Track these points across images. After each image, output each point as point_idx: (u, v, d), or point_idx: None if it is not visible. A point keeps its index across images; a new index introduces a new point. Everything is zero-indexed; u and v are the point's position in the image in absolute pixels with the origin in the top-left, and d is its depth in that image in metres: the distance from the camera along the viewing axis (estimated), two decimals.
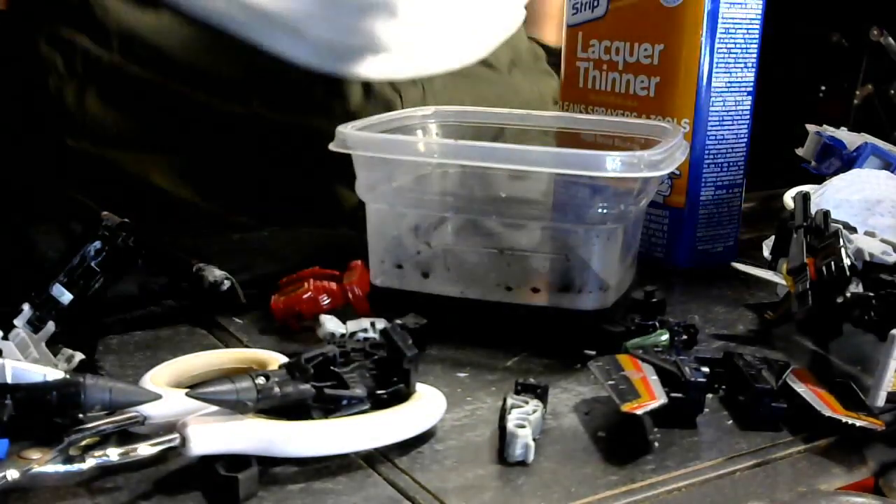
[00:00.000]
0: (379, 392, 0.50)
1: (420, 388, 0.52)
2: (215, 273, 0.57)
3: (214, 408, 0.46)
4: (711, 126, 0.78)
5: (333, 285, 0.66)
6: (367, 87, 0.91)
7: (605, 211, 0.62)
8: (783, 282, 0.66)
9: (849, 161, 0.93)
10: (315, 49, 0.88)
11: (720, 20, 0.76)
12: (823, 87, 2.16)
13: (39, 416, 0.47)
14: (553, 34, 1.16)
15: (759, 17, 0.78)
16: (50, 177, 0.89)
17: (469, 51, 0.98)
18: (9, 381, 0.47)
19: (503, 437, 0.49)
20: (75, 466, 0.44)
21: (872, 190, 0.79)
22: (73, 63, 0.87)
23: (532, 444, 0.49)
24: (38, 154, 0.90)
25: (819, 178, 0.91)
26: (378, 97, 0.91)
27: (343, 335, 0.61)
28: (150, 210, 0.89)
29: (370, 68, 0.90)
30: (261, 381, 0.46)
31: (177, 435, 0.45)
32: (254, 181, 0.91)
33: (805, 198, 0.68)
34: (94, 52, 0.87)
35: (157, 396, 0.48)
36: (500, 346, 0.63)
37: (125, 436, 0.48)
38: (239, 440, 0.45)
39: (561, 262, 0.66)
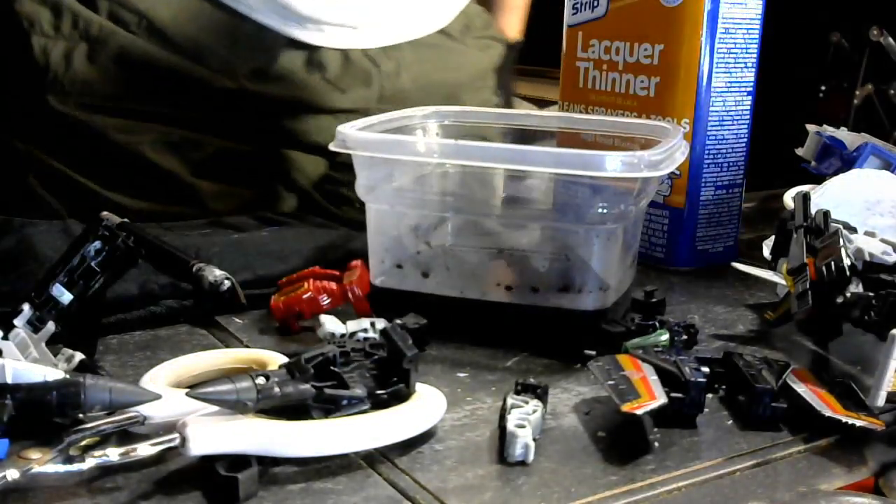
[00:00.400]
0: (379, 392, 0.50)
1: (420, 388, 0.52)
2: (215, 273, 0.57)
3: (214, 408, 0.46)
4: (711, 126, 0.78)
5: (333, 285, 0.66)
6: (346, 57, 0.93)
7: (605, 211, 0.62)
8: (783, 282, 0.66)
9: (849, 161, 0.93)
10: (299, 21, 0.89)
11: (720, 20, 0.76)
12: (823, 87, 2.16)
13: (39, 416, 0.47)
14: (513, 27, 1.18)
15: (759, 17, 0.78)
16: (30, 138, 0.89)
17: (432, 20, 1.00)
18: (9, 381, 0.47)
19: (503, 437, 0.49)
20: (75, 466, 0.44)
21: (872, 190, 0.79)
22: (61, 22, 0.86)
23: (532, 444, 0.49)
24: (15, 114, 0.89)
25: (819, 178, 0.91)
26: (356, 67, 0.93)
27: (343, 335, 0.61)
28: (138, 181, 0.89)
29: (349, 39, 0.93)
30: (261, 381, 0.46)
31: (177, 435, 0.45)
32: (242, 157, 0.92)
33: (805, 198, 0.68)
34: (83, 15, 0.86)
35: (157, 396, 0.48)
36: (500, 346, 0.63)
37: (125, 436, 0.48)
38: (239, 440, 0.45)
39: (561, 262, 0.66)
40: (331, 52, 0.92)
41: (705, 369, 0.55)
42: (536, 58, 1.20)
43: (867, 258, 0.64)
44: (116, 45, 0.86)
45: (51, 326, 0.57)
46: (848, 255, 0.60)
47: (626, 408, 0.49)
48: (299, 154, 0.92)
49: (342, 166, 0.95)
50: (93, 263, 0.58)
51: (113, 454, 0.44)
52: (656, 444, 0.51)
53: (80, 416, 0.47)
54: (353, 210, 0.96)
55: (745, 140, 0.81)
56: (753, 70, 0.79)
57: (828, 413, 0.52)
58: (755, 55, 0.79)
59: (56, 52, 0.85)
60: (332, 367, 0.49)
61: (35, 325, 0.56)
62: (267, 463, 0.47)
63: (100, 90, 0.86)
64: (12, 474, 0.42)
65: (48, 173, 0.87)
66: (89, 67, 0.86)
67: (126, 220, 0.60)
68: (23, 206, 0.84)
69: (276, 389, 0.46)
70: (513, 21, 1.18)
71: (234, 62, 0.88)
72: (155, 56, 0.87)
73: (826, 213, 0.66)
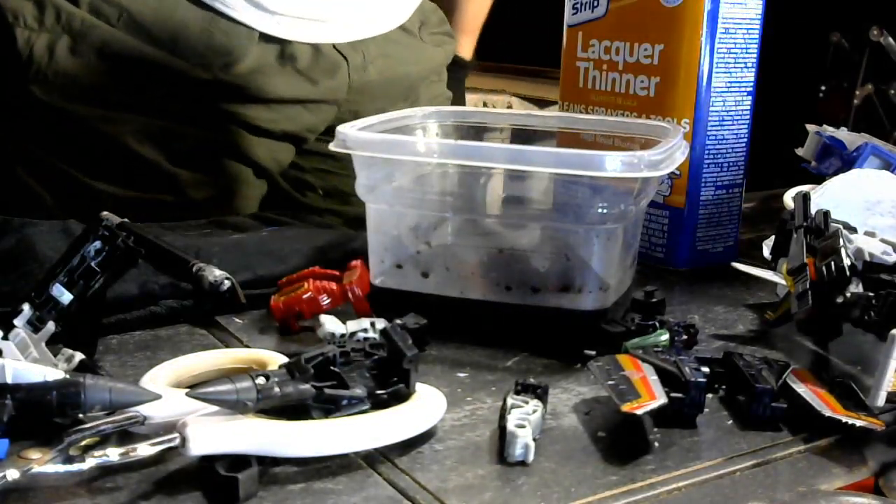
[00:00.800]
0: (379, 392, 0.50)
1: (420, 388, 0.52)
2: (215, 273, 0.57)
3: (214, 408, 0.46)
4: (711, 126, 0.78)
5: (333, 285, 0.66)
6: (316, 50, 0.96)
7: (605, 211, 0.62)
8: (783, 282, 0.66)
9: (849, 161, 0.93)
10: (270, 16, 0.92)
11: (720, 20, 0.76)
12: (823, 87, 2.16)
13: (39, 416, 0.47)
14: (467, 49, 1.23)
15: (759, 17, 0.78)
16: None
17: (395, 16, 1.03)
18: (9, 381, 0.47)
19: (503, 437, 0.49)
20: (75, 466, 0.44)
21: (872, 190, 0.79)
22: (44, 16, 0.88)
23: (532, 444, 0.49)
24: (0, 105, 0.91)
25: (819, 178, 0.91)
26: (326, 59, 0.96)
27: (343, 335, 0.61)
28: (120, 170, 0.91)
29: (319, 34, 0.96)
30: (261, 381, 0.46)
31: (177, 435, 0.45)
32: (217, 146, 0.94)
33: (805, 198, 0.68)
34: (65, 9, 0.88)
35: (157, 396, 0.48)
36: (500, 346, 0.63)
37: (125, 436, 0.48)
38: (239, 440, 0.45)
39: (561, 262, 0.66)
40: (302, 46, 0.94)
41: (705, 369, 0.55)
42: (536, 58, 1.20)
43: (867, 258, 0.64)
44: (98, 37, 0.88)
45: (51, 326, 0.57)
46: (848, 255, 0.60)
47: (626, 408, 0.49)
48: (270, 142, 0.95)
49: (307, 153, 0.97)
50: (93, 263, 0.58)
51: (113, 454, 0.44)
52: (656, 444, 0.51)
53: (80, 416, 0.47)
54: (317, 198, 0.98)
55: (745, 140, 0.81)
56: (753, 70, 0.79)
57: (828, 413, 0.52)
58: (755, 55, 0.79)
59: (39, 45, 0.87)
60: (332, 367, 0.49)
61: (35, 325, 0.56)
62: (267, 463, 0.47)
63: (82, 81, 0.89)
64: (12, 474, 0.42)
65: (33, 162, 0.89)
66: (72, 59, 0.88)
67: (126, 219, 0.60)
68: (9, 195, 0.86)
69: (276, 389, 0.46)
70: (467, 44, 1.24)
71: (210, 55, 0.90)
72: (135, 48, 0.89)
73: (826, 213, 0.66)
